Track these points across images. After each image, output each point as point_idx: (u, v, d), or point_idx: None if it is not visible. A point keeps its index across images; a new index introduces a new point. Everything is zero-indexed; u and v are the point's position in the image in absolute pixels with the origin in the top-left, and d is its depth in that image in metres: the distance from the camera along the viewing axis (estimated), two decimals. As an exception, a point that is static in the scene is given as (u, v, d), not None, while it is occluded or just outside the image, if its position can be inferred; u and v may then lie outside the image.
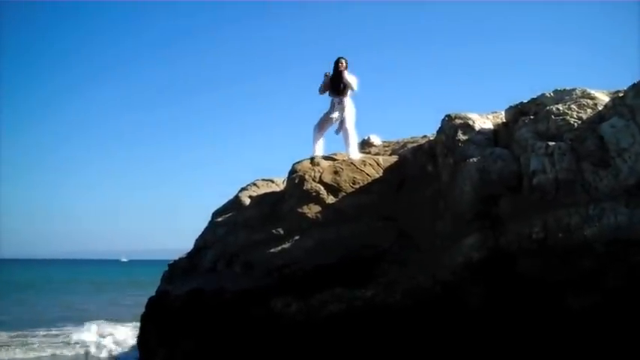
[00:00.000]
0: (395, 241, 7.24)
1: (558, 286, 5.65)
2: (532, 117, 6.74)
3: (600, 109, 6.31)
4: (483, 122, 7.32)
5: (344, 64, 8.70)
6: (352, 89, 8.67)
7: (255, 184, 9.89)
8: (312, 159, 8.47)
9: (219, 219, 9.36)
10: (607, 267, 5.43)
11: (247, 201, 9.29)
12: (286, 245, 7.50)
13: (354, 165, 8.08)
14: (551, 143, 6.12)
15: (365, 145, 9.90)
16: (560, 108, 6.48)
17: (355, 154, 8.47)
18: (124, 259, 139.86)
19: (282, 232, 7.73)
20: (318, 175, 8.00)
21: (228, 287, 7.49)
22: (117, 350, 12.17)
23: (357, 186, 7.82)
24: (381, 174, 7.99)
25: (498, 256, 6.15)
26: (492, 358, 5.85)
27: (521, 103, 7.17)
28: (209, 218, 9.80)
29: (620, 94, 6.27)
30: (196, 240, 9.65)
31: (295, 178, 8.12)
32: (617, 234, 5.40)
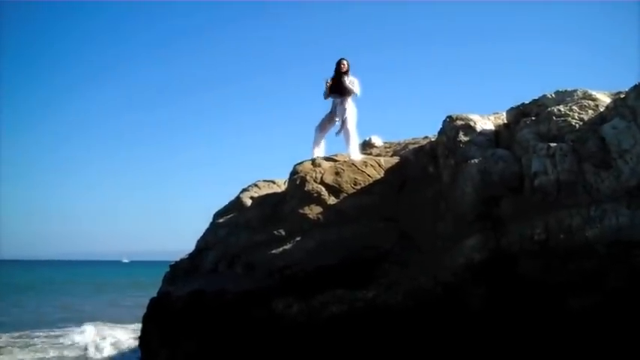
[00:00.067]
0: (396, 242, 7.24)
1: (559, 287, 5.65)
2: (533, 118, 6.74)
3: (602, 110, 6.31)
4: (484, 123, 7.32)
5: (346, 66, 8.71)
6: (355, 94, 8.70)
7: (256, 185, 9.90)
8: (313, 160, 8.48)
9: (221, 220, 9.37)
10: (608, 268, 5.44)
11: (248, 202, 9.30)
12: (287, 246, 7.50)
13: (356, 166, 8.09)
14: (553, 144, 6.12)
15: (366, 146, 9.90)
16: (562, 109, 6.48)
17: (356, 155, 8.47)
18: (126, 260, 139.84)
19: (283, 233, 7.73)
20: (319, 176, 8.00)
21: (229, 288, 7.49)
22: (114, 352, 12.13)
23: (359, 187, 7.82)
24: (382, 175, 7.99)
25: (499, 257, 6.15)
26: (494, 359, 5.85)
27: (523, 104, 7.17)
28: (210, 219, 9.81)
29: (622, 96, 6.27)
30: (198, 241, 9.65)
31: (296, 179, 8.12)
32: (619, 235, 5.40)
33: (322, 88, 8.79)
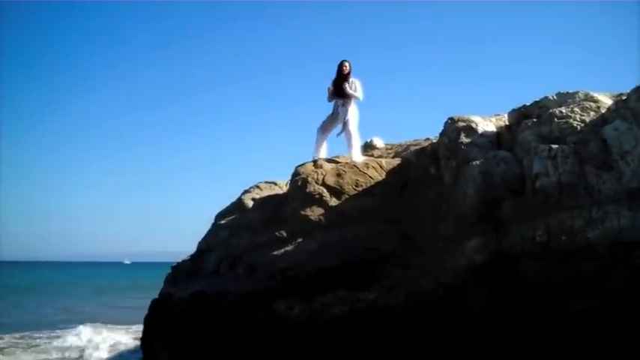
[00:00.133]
0: (398, 243, 7.24)
1: (561, 288, 5.65)
2: (535, 120, 6.75)
3: (603, 112, 6.32)
4: (486, 125, 7.33)
5: (348, 68, 8.72)
6: (358, 98, 8.72)
7: (257, 187, 9.91)
8: (314, 161, 8.50)
9: (222, 221, 9.38)
10: (610, 270, 5.44)
11: (250, 203, 9.31)
12: (289, 248, 7.51)
13: (357, 167, 8.09)
14: (554, 146, 6.12)
15: (368, 147, 9.90)
16: (563, 111, 6.49)
17: (358, 157, 8.48)
18: (127, 262, 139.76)
19: (285, 234, 7.74)
20: (321, 177, 8.01)
21: (231, 290, 7.50)
22: (114, 353, 12.12)
23: (360, 188, 7.83)
24: (383, 176, 8.00)
25: (501, 258, 6.16)
26: (495, 360, 5.86)
27: (524, 105, 7.17)
28: (212, 220, 9.82)
29: (623, 97, 6.28)
30: (199, 242, 9.66)
31: (298, 180, 8.13)
32: (620, 237, 5.40)
33: (325, 91, 8.82)
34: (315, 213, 7.67)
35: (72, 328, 14.64)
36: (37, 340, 13.44)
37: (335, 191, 7.82)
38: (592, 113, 6.37)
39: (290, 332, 6.72)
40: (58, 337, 13.77)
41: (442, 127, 7.63)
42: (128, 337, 13.37)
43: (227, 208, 9.77)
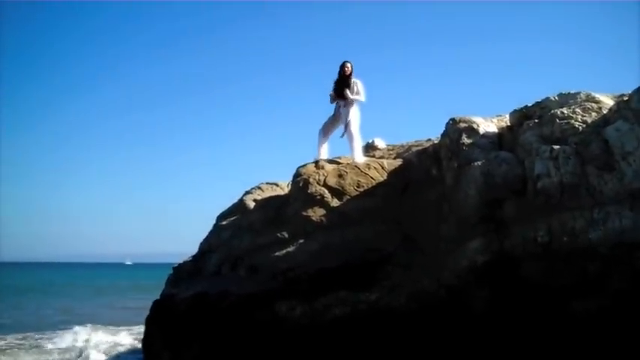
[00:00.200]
0: (399, 244, 7.24)
1: (563, 289, 5.65)
2: (536, 121, 6.75)
3: (605, 112, 6.32)
4: (488, 126, 7.33)
5: (349, 69, 8.72)
6: (360, 100, 8.73)
7: (259, 188, 9.91)
8: (316, 162, 8.50)
9: (224, 222, 9.38)
10: (612, 270, 5.44)
11: (252, 204, 9.31)
12: (291, 249, 7.52)
13: (359, 168, 8.10)
14: (556, 147, 6.13)
15: (369, 148, 9.91)
16: (565, 112, 6.49)
17: (360, 158, 8.48)
18: (129, 263, 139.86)
19: (286, 235, 7.74)
20: (322, 178, 8.02)
21: (232, 291, 7.50)
22: (113, 354, 12.10)
23: (362, 189, 7.84)
24: (385, 177, 8.01)
25: (503, 259, 6.16)
26: (497, 361, 5.86)
27: (526, 106, 7.18)
28: (214, 221, 9.83)
29: (625, 98, 6.28)
30: (201, 243, 9.67)
31: (300, 181, 8.14)
32: (622, 237, 5.40)
33: (326, 92, 8.86)
34: (316, 214, 7.68)
35: (72, 329, 14.61)
36: (39, 341, 13.44)
37: (336, 192, 7.83)
38: (594, 114, 6.37)
39: (291, 333, 6.72)
40: (58, 338, 13.73)
41: (444, 128, 7.64)
42: (129, 338, 13.35)
43: (228, 209, 9.78)
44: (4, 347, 12.62)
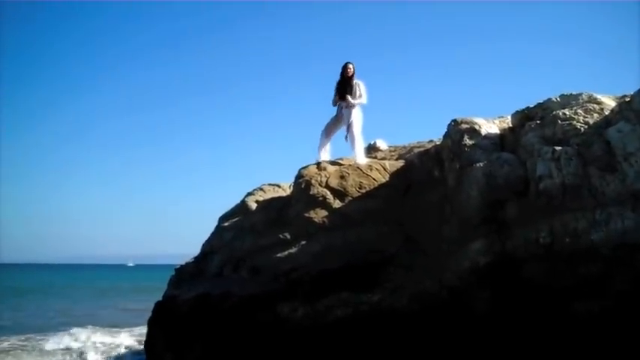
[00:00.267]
0: (401, 245, 7.25)
1: (565, 290, 5.65)
2: (538, 122, 6.75)
3: (607, 113, 6.32)
4: (489, 127, 7.33)
5: (352, 70, 8.74)
6: (362, 103, 8.75)
7: (261, 189, 9.92)
8: (318, 164, 8.51)
9: (226, 224, 9.39)
10: (614, 271, 5.44)
11: (254, 206, 9.32)
12: (293, 250, 7.52)
13: (361, 170, 8.11)
14: (558, 148, 6.12)
15: (371, 149, 9.92)
16: (567, 113, 6.49)
17: (361, 159, 8.49)
18: (131, 264, 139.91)
19: (288, 236, 7.75)
20: (324, 179, 8.03)
21: (235, 292, 7.51)
22: (112, 355, 12.09)
23: (364, 191, 7.84)
24: (387, 179, 8.01)
25: (505, 260, 6.16)
26: (499, 363, 5.86)
27: (528, 107, 7.18)
28: (216, 223, 9.83)
29: (627, 99, 6.28)
30: (203, 245, 9.67)
31: (302, 182, 8.15)
32: (624, 238, 5.40)
33: (326, 93, 8.90)
34: (318, 215, 7.68)
35: (73, 330, 14.62)
36: (40, 343, 13.44)
37: (338, 193, 7.84)
38: (595, 115, 6.37)
39: (294, 334, 6.72)
40: (58, 339, 13.74)
41: (445, 129, 7.64)
42: (130, 340, 13.35)
43: (231, 210, 9.79)
44: (7, 349, 12.62)
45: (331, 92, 8.94)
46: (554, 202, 5.95)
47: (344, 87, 8.70)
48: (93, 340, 13.48)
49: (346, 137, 8.79)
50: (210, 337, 7.31)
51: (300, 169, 8.52)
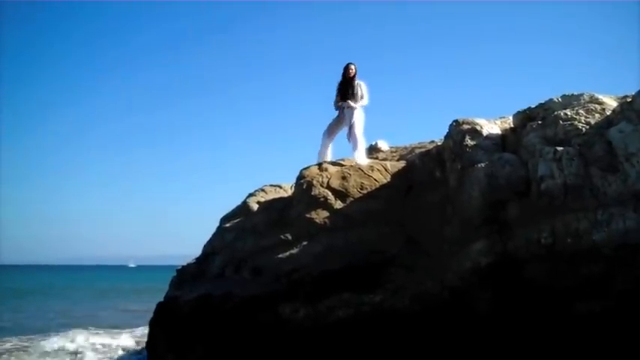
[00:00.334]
0: (403, 246, 7.25)
1: (566, 291, 5.65)
2: (540, 122, 6.75)
3: (608, 114, 6.32)
4: (491, 127, 7.33)
5: (353, 70, 8.75)
6: (364, 104, 8.76)
7: (263, 190, 9.92)
8: (319, 164, 8.51)
9: (228, 224, 9.39)
10: (615, 272, 5.43)
11: (255, 206, 9.32)
12: (294, 251, 7.52)
13: (362, 170, 8.11)
14: (560, 148, 6.12)
15: (373, 150, 9.93)
16: (568, 113, 6.49)
17: (363, 160, 8.50)
18: (132, 265, 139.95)
19: (290, 237, 7.75)
20: (325, 180, 8.03)
21: (236, 293, 7.51)
22: (113, 357, 12.08)
23: (365, 191, 7.84)
24: (388, 179, 8.01)
25: (506, 261, 6.15)
26: (501, 363, 5.85)
27: (529, 108, 7.18)
28: (217, 223, 9.84)
29: (629, 99, 6.28)
30: (205, 245, 9.68)
31: (303, 183, 8.15)
32: (626, 239, 5.40)
33: (326, 94, 8.92)
34: (320, 216, 7.69)
35: (73, 331, 14.61)
36: (41, 344, 13.43)
37: (340, 194, 7.84)
38: (597, 115, 6.37)
39: (295, 335, 6.72)
40: (57, 340, 13.74)
41: (447, 130, 7.64)
42: (131, 341, 13.34)
43: (232, 211, 9.79)
44: (8, 350, 12.62)
45: (332, 93, 8.95)
46: (556, 203, 5.95)
47: (346, 88, 8.72)
48: (93, 341, 13.46)
49: (348, 138, 8.80)
50: (212, 337, 7.32)
51: (302, 170, 8.52)
